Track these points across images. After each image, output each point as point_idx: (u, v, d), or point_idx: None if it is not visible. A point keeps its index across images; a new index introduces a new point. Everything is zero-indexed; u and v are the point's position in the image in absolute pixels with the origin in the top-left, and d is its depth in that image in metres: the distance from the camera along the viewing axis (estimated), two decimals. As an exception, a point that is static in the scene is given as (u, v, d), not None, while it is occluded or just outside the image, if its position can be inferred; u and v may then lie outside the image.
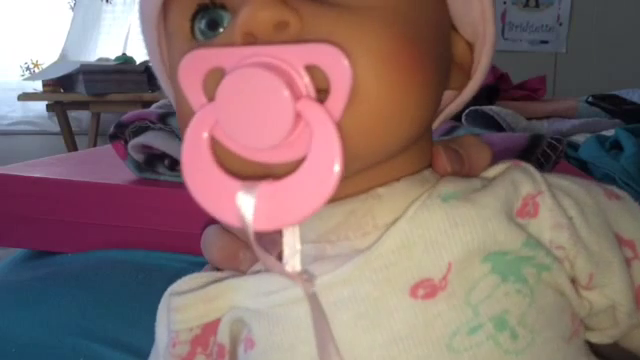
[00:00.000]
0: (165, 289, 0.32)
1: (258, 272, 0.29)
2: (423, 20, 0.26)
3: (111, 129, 0.65)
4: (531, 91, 1.90)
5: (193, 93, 0.24)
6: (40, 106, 2.67)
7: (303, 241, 0.26)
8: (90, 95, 2.23)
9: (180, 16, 0.28)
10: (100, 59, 2.66)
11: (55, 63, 2.68)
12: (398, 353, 0.25)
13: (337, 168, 0.21)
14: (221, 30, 0.27)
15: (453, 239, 0.25)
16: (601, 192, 0.29)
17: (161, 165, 0.66)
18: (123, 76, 2.27)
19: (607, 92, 1.77)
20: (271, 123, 0.22)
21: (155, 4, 0.29)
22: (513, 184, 0.28)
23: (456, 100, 0.33)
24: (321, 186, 0.22)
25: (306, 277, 0.24)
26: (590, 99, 1.70)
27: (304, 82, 0.22)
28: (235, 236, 0.31)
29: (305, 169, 0.22)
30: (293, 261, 0.24)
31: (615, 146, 1.12)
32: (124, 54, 2.67)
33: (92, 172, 0.72)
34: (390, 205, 0.27)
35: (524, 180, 0.28)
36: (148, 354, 0.34)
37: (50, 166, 0.75)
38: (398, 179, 0.27)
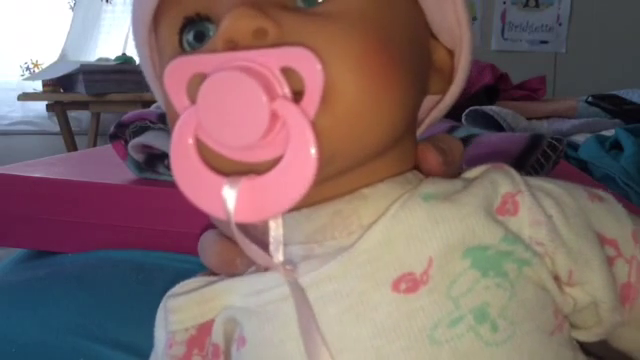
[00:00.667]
0: (165, 289, 0.33)
1: (251, 273, 0.30)
2: (396, 26, 0.28)
3: (111, 129, 0.65)
4: (531, 91, 1.90)
5: (177, 97, 0.26)
6: (40, 106, 2.66)
7: (292, 242, 0.28)
8: (90, 95, 2.23)
9: (169, 30, 0.29)
10: (100, 59, 2.66)
11: (55, 63, 2.68)
12: (382, 345, 0.26)
13: (313, 163, 0.23)
14: (207, 41, 0.28)
15: (433, 235, 0.27)
16: (584, 195, 0.30)
17: (161, 165, 0.66)
18: (123, 76, 2.27)
19: (607, 92, 1.77)
20: (249, 123, 0.23)
21: (145, 21, 0.30)
22: (492, 184, 0.29)
23: (439, 105, 0.34)
24: (298, 180, 0.23)
25: (289, 267, 0.26)
26: (590, 99, 1.70)
27: (280, 84, 0.23)
28: (232, 242, 0.31)
29: (284, 164, 0.23)
30: (277, 252, 0.25)
31: (615, 146, 1.12)
32: (124, 54, 2.67)
33: (92, 172, 0.72)
34: (375, 205, 0.28)
35: (503, 180, 0.29)
36: (148, 354, 0.34)
37: (50, 166, 0.74)
38: (382, 180, 0.29)
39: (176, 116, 0.26)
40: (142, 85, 2.29)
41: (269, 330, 0.28)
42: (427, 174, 0.30)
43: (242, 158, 0.24)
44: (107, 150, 0.72)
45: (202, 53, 0.26)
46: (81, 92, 2.24)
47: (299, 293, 0.25)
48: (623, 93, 1.74)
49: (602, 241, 0.29)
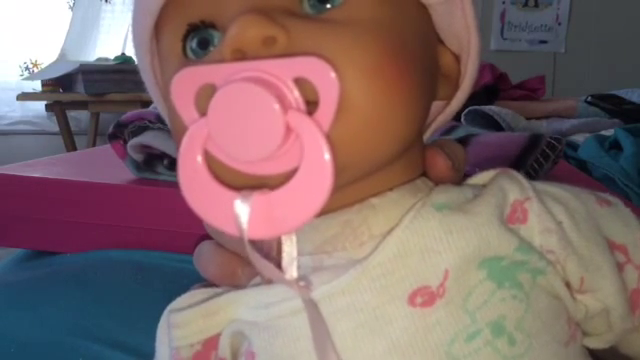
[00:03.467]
0: (165, 289, 0.32)
1: (257, 285, 0.29)
2: (408, 33, 0.27)
3: (110, 129, 0.65)
4: (530, 91, 1.90)
5: (185, 109, 0.25)
6: (39, 106, 2.66)
7: (301, 253, 0.26)
8: (89, 95, 2.23)
9: (172, 37, 0.28)
10: (99, 59, 2.66)
11: (54, 63, 2.67)
12: None
13: (328, 177, 0.22)
14: (212, 49, 0.27)
15: (448, 246, 0.26)
16: (592, 199, 0.30)
17: (160, 165, 0.66)
18: (122, 76, 2.27)
19: (606, 92, 1.78)
20: (262, 136, 0.22)
21: (147, 27, 0.29)
22: (502, 191, 0.28)
23: (445, 110, 0.34)
24: (314, 195, 0.22)
25: (303, 284, 0.25)
26: (589, 99, 1.70)
27: (293, 95, 0.23)
28: (232, 253, 0.31)
29: (298, 179, 0.23)
30: (291, 268, 0.24)
31: (614, 146, 1.12)
32: (123, 54, 2.67)
33: (91, 172, 0.72)
34: (384, 215, 0.27)
35: (511, 187, 0.28)
36: (147, 354, 0.34)
37: (49, 166, 0.74)
38: (391, 189, 0.28)
39: (183, 128, 0.25)
40: (141, 85, 2.30)
41: (279, 345, 0.27)
42: (436, 180, 0.30)
43: (254, 171, 0.24)
44: (106, 150, 0.72)
45: (211, 63, 0.25)
46: (80, 92, 2.24)
47: (313, 309, 0.24)
48: (622, 93, 1.74)
49: (611, 247, 0.29)
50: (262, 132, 0.22)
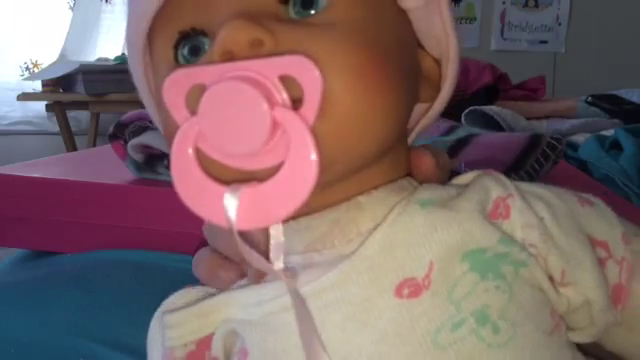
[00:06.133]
0: (165, 289, 0.32)
1: (248, 285, 0.30)
2: (386, 35, 0.29)
3: (110, 129, 0.65)
4: (530, 91, 1.90)
5: (177, 109, 0.26)
6: (39, 106, 2.66)
7: (292, 252, 0.28)
8: (89, 95, 2.23)
9: (164, 45, 0.30)
10: (99, 59, 2.65)
11: (54, 63, 2.67)
12: (387, 351, 0.26)
13: (314, 168, 0.23)
14: (202, 55, 0.29)
15: (432, 239, 0.27)
16: (575, 199, 0.31)
17: (160, 165, 0.66)
18: (122, 76, 2.25)
19: (607, 92, 1.78)
20: (250, 130, 0.23)
21: (140, 37, 0.31)
22: (484, 189, 0.29)
23: (428, 113, 0.35)
24: (300, 186, 0.23)
25: (289, 274, 0.26)
26: (589, 99, 1.70)
27: (279, 92, 0.24)
28: (221, 257, 0.32)
29: (285, 171, 0.24)
30: (278, 259, 0.25)
31: (615, 146, 1.12)
32: (123, 54, 2.67)
33: (92, 172, 0.72)
34: (371, 213, 0.28)
35: (494, 185, 0.30)
36: (147, 354, 0.34)
37: (50, 166, 0.75)
38: (376, 187, 0.29)
39: (174, 128, 0.26)
40: (142, 85, 2.29)
41: (272, 341, 0.28)
42: (422, 179, 0.31)
43: (243, 166, 0.25)
44: (106, 150, 0.72)
45: (201, 65, 0.26)
46: (80, 92, 2.24)
47: (299, 300, 0.25)
48: (623, 93, 1.74)
49: (593, 243, 0.30)
50: (251, 127, 0.23)
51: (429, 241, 0.27)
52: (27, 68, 3.03)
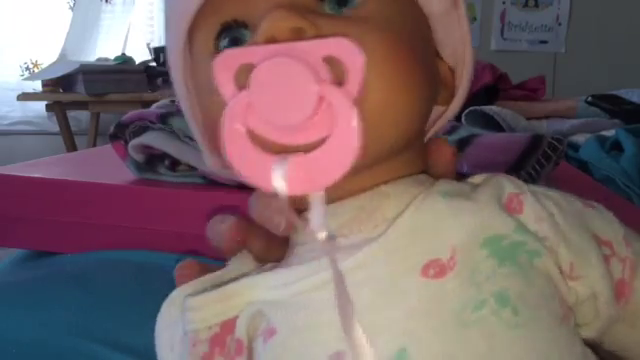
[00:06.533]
0: (165, 289, 0.32)
1: (273, 269, 0.31)
2: (415, 34, 0.31)
3: (111, 129, 0.65)
4: (531, 91, 1.90)
5: (226, 86, 0.28)
6: (39, 106, 2.66)
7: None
8: (89, 95, 2.23)
9: (205, 36, 0.31)
10: (99, 59, 2.66)
11: (54, 63, 2.67)
12: (415, 326, 0.27)
13: (357, 139, 0.25)
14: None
15: (454, 224, 0.29)
16: (579, 202, 0.33)
17: (161, 165, 0.66)
18: (123, 76, 2.27)
19: (607, 92, 1.77)
20: (298, 103, 0.25)
21: (181, 35, 0.32)
22: (498, 184, 0.31)
23: (444, 115, 0.37)
24: (344, 154, 0.25)
25: (331, 241, 0.27)
26: (589, 99, 1.70)
27: (324, 70, 0.26)
28: (247, 223, 0.33)
29: (331, 141, 0.25)
30: (321, 228, 0.26)
31: (616, 146, 1.12)
32: (123, 54, 2.67)
33: (92, 172, 0.72)
34: (396, 201, 0.30)
35: (507, 183, 0.32)
36: (148, 355, 0.34)
37: (50, 166, 0.75)
38: (399, 178, 0.31)
39: (221, 105, 0.27)
40: (142, 85, 2.30)
41: (302, 317, 0.28)
42: (439, 170, 0.33)
43: (289, 141, 0.26)
44: (107, 150, 0.72)
45: (248, 46, 0.28)
46: (81, 92, 2.24)
47: (337, 270, 0.26)
48: (623, 93, 1.74)
49: (598, 242, 0.31)
50: (298, 100, 0.25)
51: (451, 226, 0.29)
52: (27, 68, 3.03)
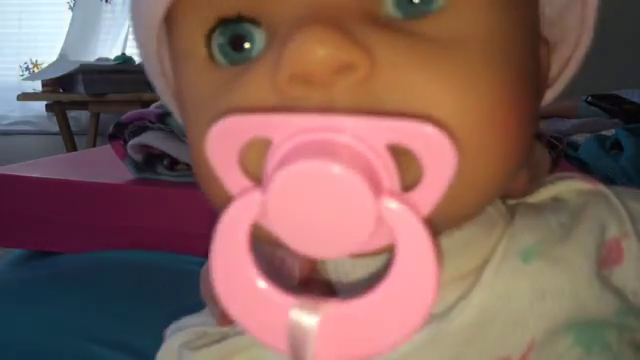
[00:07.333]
0: (165, 290, 0.32)
1: None
2: (523, 41, 0.21)
3: (110, 129, 0.65)
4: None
5: (228, 173, 0.18)
6: (39, 106, 2.66)
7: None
8: (89, 95, 2.23)
9: (192, 30, 0.22)
10: (99, 59, 2.65)
11: (54, 63, 2.67)
12: None
13: (432, 286, 0.17)
14: (247, 46, 0.21)
15: (539, 313, 0.22)
16: None
17: (160, 165, 0.66)
18: (122, 76, 2.27)
19: (607, 92, 1.77)
20: (344, 231, 0.17)
21: (159, 9, 0.23)
22: (599, 225, 0.24)
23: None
24: (411, 306, 0.17)
25: None
26: (589, 99, 1.70)
27: (390, 175, 0.17)
28: None
29: (387, 288, 0.17)
30: None
31: (616, 146, 1.11)
32: (123, 54, 2.67)
33: (92, 172, 0.72)
34: (456, 261, 0.22)
35: (610, 220, 0.24)
36: (147, 355, 0.34)
37: (50, 166, 0.75)
38: (459, 225, 0.22)
39: (219, 188, 0.19)
40: (141, 85, 2.29)
41: None
42: (508, 191, 0.25)
43: (323, 253, 0.18)
44: (106, 150, 0.72)
45: (266, 113, 0.18)
46: (80, 92, 2.24)
47: None
48: (623, 93, 1.74)
49: None
50: (344, 226, 0.17)
51: (534, 314, 0.22)
52: (27, 68, 3.03)
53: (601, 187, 0.25)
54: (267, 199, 0.17)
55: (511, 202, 0.25)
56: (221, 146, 0.18)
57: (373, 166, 0.16)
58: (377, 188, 0.16)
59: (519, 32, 0.21)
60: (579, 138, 1.27)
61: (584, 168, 1.07)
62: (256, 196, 0.17)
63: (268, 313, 0.18)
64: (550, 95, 0.27)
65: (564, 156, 0.83)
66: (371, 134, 0.16)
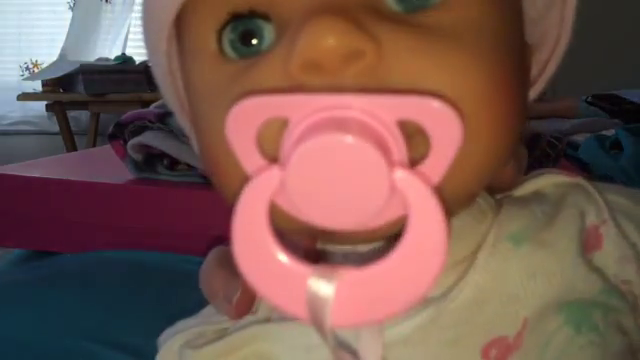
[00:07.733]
0: (165, 290, 0.32)
1: (292, 320, 0.25)
2: (515, 33, 0.23)
3: (110, 129, 0.65)
4: (531, 91, 1.89)
5: (246, 153, 0.19)
6: (39, 106, 2.66)
7: None
8: (89, 95, 2.23)
9: (203, 28, 0.23)
10: (99, 59, 2.65)
11: (54, 63, 2.67)
12: None
13: (441, 249, 0.18)
14: (254, 42, 0.22)
15: (530, 292, 0.23)
16: None
17: (160, 165, 0.66)
18: (122, 76, 2.27)
19: (607, 92, 1.77)
20: (360, 201, 0.18)
21: (170, 10, 0.24)
22: (579, 212, 0.25)
23: None
24: (419, 274, 0.18)
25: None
26: (589, 99, 1.70)
27: (399, 147, 0.18)
28: (231, 272, 0.26)
29: (401, 254, 0.18)
30: None
31: (615, 146, 1.12)
32: (123, 54, 2.67)
33: (92, 172, 0.72)
34: (451, 248, 0.22)
35: (588, 207, 0.26)
36: (147, 354, 0.34)
37: (50, 166, 0.75)
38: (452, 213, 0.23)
39: (234, 169, 0.20)
40: (141, 85, 2.30)
41: None
42: (496, 186, 0.26)
43: (338, 224, 0.19)
44: (106, 150, 0.72)
45: (282, 94, 0.19)
46: (80, 92, 2.24)
47: None
48: (623, 93, 1.74)
49: None
50: (360, 196, 0.18)
51: (526, 294, 0.23)
52: (27, 68, 3.03)
53: (579, 179, 0.27)
54: (286, 175, 0.18)
55: (498, 196, 0.27)
56: (240, 127, 0.19)
57: (385, 139, 0.18)
58: (390, 161, 0.18)
59: (508, 26, 0.23)
60: (579, 138, 1.28)
61: (584, 168, 1.07)
62: (275, 172, 0.18)
63: (288, 283, 0.19)
64: (532, 94, 0.29)
65: (564, 156, 0.83)
66: (382, 110, 0.18)
